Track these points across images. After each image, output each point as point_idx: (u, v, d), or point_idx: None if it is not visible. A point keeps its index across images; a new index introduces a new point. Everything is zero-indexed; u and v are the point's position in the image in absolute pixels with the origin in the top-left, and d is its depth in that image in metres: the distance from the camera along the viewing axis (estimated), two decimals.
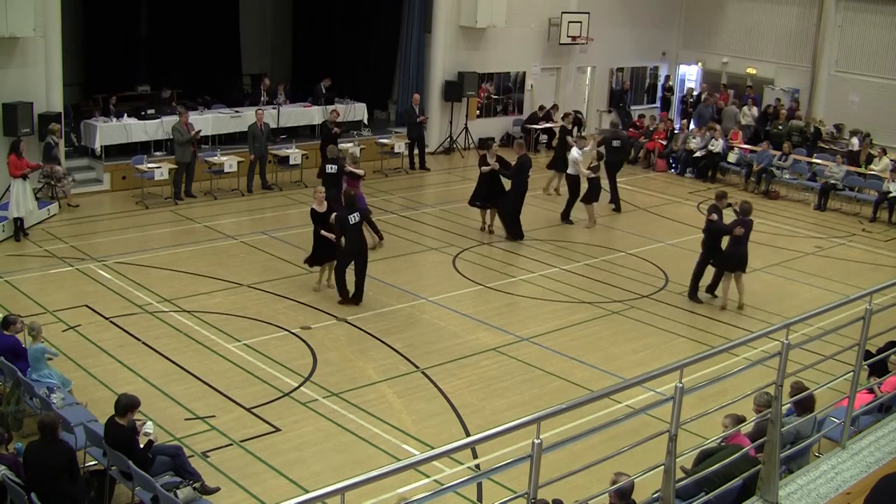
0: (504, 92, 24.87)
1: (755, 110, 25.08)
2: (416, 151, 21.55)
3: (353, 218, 12.87)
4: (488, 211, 16.79)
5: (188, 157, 17.63)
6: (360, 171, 15.83)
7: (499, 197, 16.56)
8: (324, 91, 21.85)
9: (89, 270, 13.96)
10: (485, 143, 18.69)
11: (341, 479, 4.13)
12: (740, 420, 7.66)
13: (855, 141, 22.48)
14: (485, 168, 16.37)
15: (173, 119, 18.07)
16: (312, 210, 13.43)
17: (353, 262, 13.06)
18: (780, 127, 23.61)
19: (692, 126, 24.10)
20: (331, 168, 15.66)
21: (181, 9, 21.66)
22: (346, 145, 19.87)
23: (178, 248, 15.25)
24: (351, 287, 13.16)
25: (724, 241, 13.68)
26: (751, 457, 6.93)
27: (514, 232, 16.51)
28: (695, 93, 27.16)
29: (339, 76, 23.32)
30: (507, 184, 16.49)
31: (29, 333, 9.75)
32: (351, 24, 24.02)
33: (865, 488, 5.39)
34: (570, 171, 17.78)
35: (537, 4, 24.46)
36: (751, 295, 14.44)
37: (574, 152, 17.68)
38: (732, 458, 6.47)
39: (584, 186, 17.57)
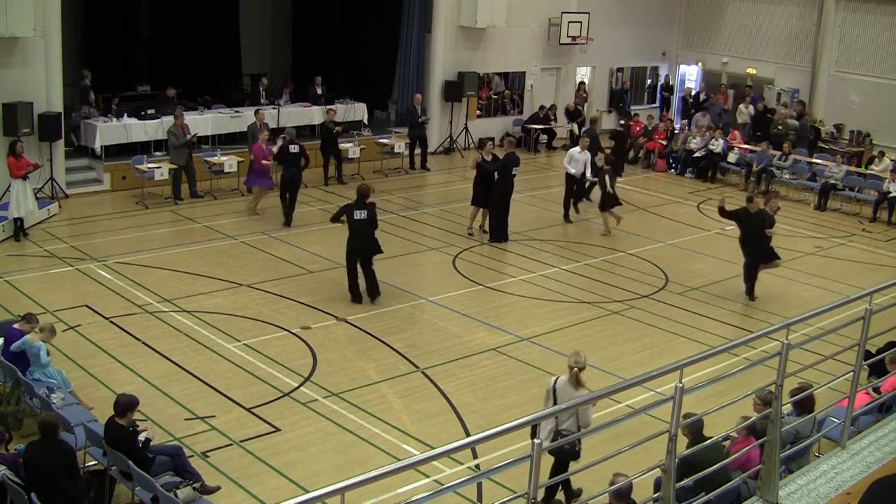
0: (509, 86, 24.86)
1: (751, 108, 25.07)
2: (416, 151, 21.54)
3: (359, 214, 12.87)
4: (480, 212, 16.60)
5: (183, 160, 17.60)
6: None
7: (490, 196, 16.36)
8: (318, 92, 21.85)
9: (89, 270, 13.96)
10: (482, 143, 18.62)
11: (341, 479, 4.13)
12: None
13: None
14: (471, 163, 16.37)
15: (173, 119, 18.03)
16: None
17: (358, 262, 13.10)
18: (780, 127, 23.61)
19: (691, 126, 24.08)
20: (294, 148, 16.53)
21: (181, 9, 21.64)
22: (346, 145, 19.96)
23: (178, 248, 15.25)
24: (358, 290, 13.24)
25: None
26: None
27: (498, 234, 16.31)
28: (693, 92, 27.15)
29: (339, 76, 23.30)
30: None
31: (36, 330, 9.63)
32: (351, 24, 24.02)
33: (865, 488, 5.38)
34: (568, 170, 17.52)
35: (537, 4, 24.44)
36: None
37: (574, 151, 17.55)
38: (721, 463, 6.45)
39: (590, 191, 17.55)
